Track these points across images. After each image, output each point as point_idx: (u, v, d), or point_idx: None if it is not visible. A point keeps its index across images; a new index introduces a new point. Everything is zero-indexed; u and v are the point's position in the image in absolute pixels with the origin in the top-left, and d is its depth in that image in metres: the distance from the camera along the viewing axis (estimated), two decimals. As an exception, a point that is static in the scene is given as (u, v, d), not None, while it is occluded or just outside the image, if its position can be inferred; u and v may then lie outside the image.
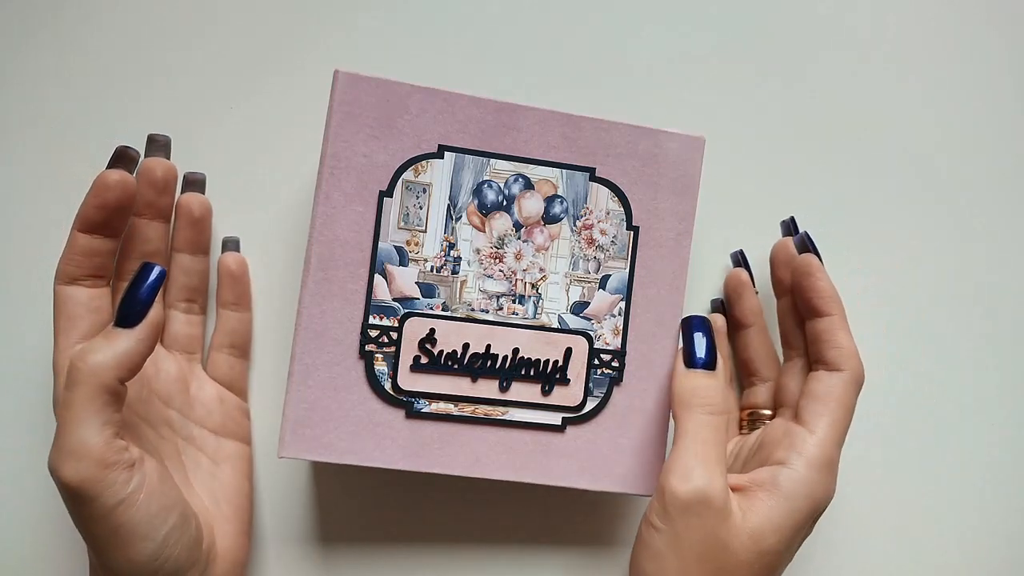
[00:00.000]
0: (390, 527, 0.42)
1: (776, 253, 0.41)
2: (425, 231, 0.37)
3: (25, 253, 0.41)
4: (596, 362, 0.38)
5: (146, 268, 0.34)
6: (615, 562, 0.44)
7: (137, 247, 0.37)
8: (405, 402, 0.36)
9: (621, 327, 0.38)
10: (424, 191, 0.37)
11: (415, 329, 0.36)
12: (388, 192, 0.36)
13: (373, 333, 0.36)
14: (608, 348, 0.38)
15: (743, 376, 0.43)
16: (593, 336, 0.38)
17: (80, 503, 0.32)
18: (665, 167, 0.38)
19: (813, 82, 0.46)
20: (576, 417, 0.38)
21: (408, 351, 0.36)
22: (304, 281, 0.36)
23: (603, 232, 0.38)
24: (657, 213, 0.38)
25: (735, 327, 0.43)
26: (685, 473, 0.34)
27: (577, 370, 0.38)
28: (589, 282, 0.38)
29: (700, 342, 0.37)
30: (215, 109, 0.42)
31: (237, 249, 0.41)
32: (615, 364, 0.38)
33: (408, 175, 0.36)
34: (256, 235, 0.42)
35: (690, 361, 0.37)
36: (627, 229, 0.38)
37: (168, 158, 0.39)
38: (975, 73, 0.48)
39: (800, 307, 0.39)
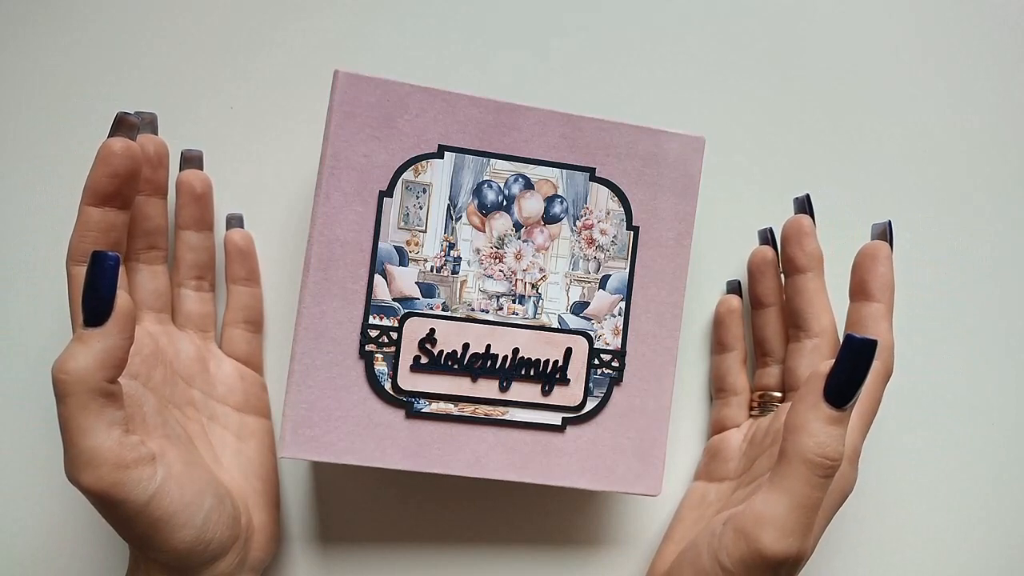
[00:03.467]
0: (390, 527, 0.42)
1: (788, 230, 0.41)
2: (425, 231, 0.37)
3: (29, 245, 0.41)
4: (596, 362, 0.38)
5: (98, 259, 0.31)
6: (615, 562, 0.44)
7: (139, 224, 0.37)
8: (405, 402, 0.36)
9: (621, 327, 0.38)
10: (424, 191, 0.37)
11: (415, 329, 0.36)
12: (388, 192, 0.36)
13: (373, 333, 0.36)
14: (608, 348, 0.38)
15: (758, 356, 0.43)
16: (593, 336, 0.38)
17: (110, 507, 0.31)
18: (665, 167, 0.38)
19: (813, 82, 0.46)
20: (576, 417, 0.38)
21: (408, 351, 0.36)
22: (304, 281, 0.36)
23: (603, 232, 0.38)
24: (657, 213, 0.38)
25: (755, 305, 0.43)
26: (783, 533, 0.32)
27: (577, 370, 0.38)
28: (589, 282, 0.38)
29: (860, 379, 0.32)
30: (215, 109, 0.42)
31: (241, 225, 0.41)
32: (615, 364, 0.38)
33: (408, 175, 0.36)
34: (256, 235, 0.42)
35: (839, 397, 0.32)
36: (627, 229, 0.38)
37: (156, 134, 0.38)
38: (977, 72, 0.48)
39: (852, 288, 0.39)
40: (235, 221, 0.41)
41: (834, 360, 0.32)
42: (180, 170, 0.39)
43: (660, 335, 0.39)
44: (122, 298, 0.31)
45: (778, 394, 0.42)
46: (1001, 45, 0.48)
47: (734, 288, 0.44)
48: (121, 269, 0.33)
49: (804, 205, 0.41)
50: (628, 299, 0.38)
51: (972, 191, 0.47)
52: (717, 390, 0.44)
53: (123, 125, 0.34)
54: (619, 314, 0.38)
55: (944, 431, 0.46)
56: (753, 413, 0.42)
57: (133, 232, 0.37)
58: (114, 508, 0.31)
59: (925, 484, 0.46)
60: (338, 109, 0.36)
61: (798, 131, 0.46)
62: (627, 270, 0.38)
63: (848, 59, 0.47)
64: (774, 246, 0.42)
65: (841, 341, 0.35)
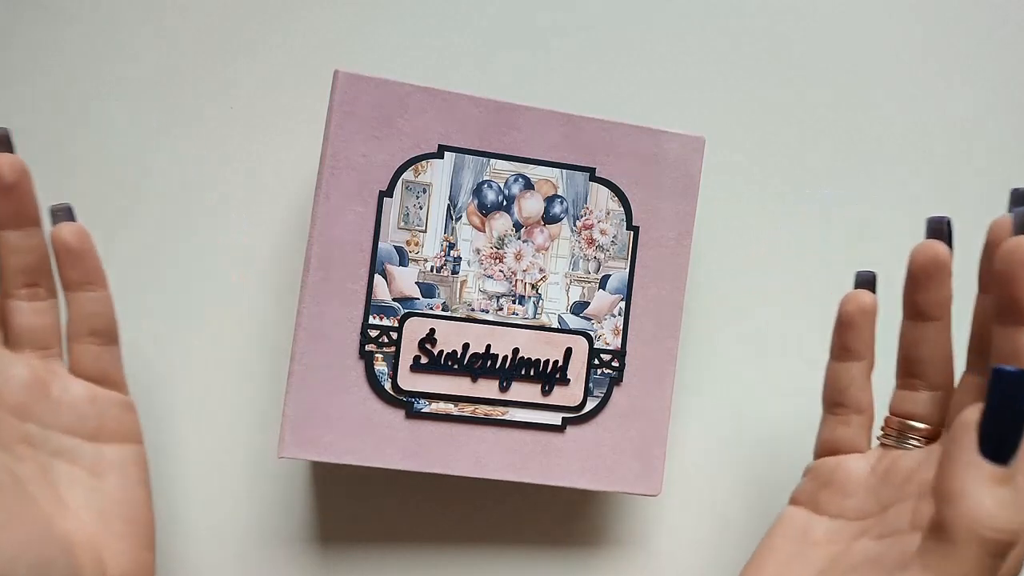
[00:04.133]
0: (390, 527, 0.42)
1: (998, 233, 0.31)
2: (425, 231, 0.37)
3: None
4: (596, 362, 0.38)
5: None
6: (615, 562, 0.44)
7: None
8: (405, 402, 0.36)
9: (621, 327, 0.38)
10: (424, 191, 0.37)
11: (415, 329, 0.36)
12: (388, 192, 0.36)
13: (373, 333, 0.36)
14: (608, 348, 0.38)
15: (902, 375, 0.35)
16: (593, 336, 0.38)
17: None
18: (665, 167, 0.38)
19: (814, 82, 0.46)
20: (576, 417, 0.38)
21: (408, 351, 0.36)
22: (304, 281, 0.36)
23: (603, 232, 0.38)
24: (657, 213, 0.38)
25: (912, 315, 0.34)
26: None
27: (577, 370, 0.38)
28: (589, 282, 0.38)
29: (1020, 421, 0.26)
30: (215, 109, 0.42)
31: (72, 218, 0.34)
32: (615, 364, 0.38)
33: (408, 175, 0.36)
34: (256, 235, 0.42)
35: (999, 448, 0.26)
36: (627, 229, 0.38)
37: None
38: (978, 72, 0.48)
39: (1000, 307, 0.29)
40: (62, 214, 0.34)
41: (984, 403, 0.26)
42: None
43: (660, 335, 0.39)
44: None
45: (923, 426, 0.34)
46: (1003, 44, 0.48)
47: (866, 281, 0.35)
48: None
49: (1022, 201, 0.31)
50: (628, 299, 0.38)
51: (973, 191, 0.47)
52: (833, 404, 0.36)
53: None
54: (619, 314, 0.38)
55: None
56: (885, 441, 0.35)
57: None
58: None
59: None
60: (338, 109, 0.36)
61: (798, 131, 0.46)
62: (627, 270, 0.38)
63: (848, 59, 0.47)
64: (949, 243, 0.33)
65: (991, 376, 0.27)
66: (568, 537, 0.43)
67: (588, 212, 0.38)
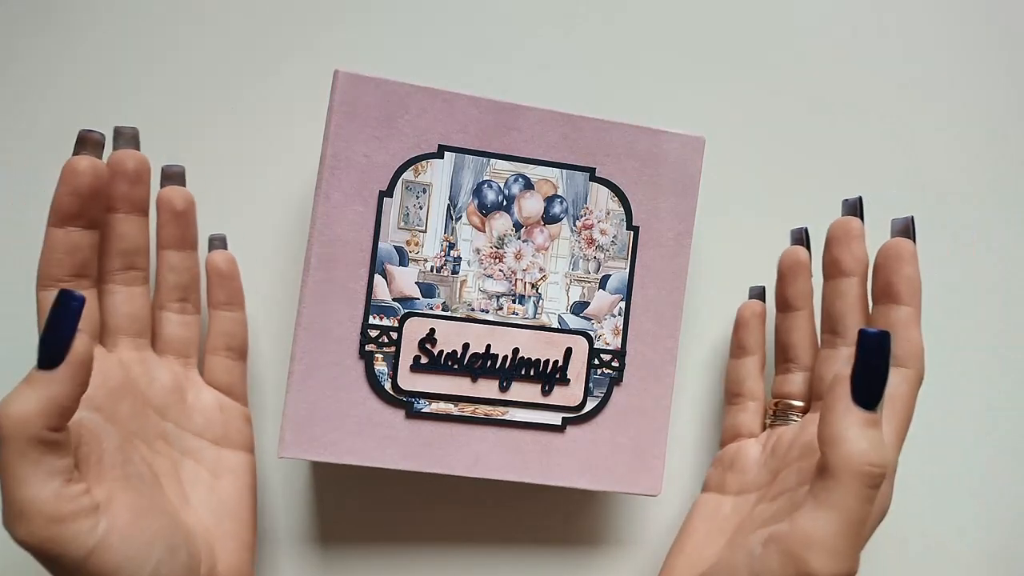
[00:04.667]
0: (390, 527, 0.42)
1: (836, 231, 0.38)
2: (425, 231, 0.37)
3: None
4: (596, 362, 0.38)
5: (63, 297, 0.29)
6: (615, 562, 0.44)
7: (115, 244, 0.35)
8: (405, 402, 0.36)
9: (621, 327, 0.38)
10: (424, 191, 0.37)
11: (415, 329, 0.36)
12: (388, 192, 0.36)
13: (373, 333, 0.36)
14: (608, 348, 0.38)
15: (778, 362, 0.41)
16: (593, 336, 0.38)
17: (46, 562, 0.30)
18: (665, 167, 0.38)
19: (814, 82, 0.46)
20: (576, 417, 0.38)
21: (408, 351, 0.36)
22: (304, 281, 0.36)
23: (603, 232, 0.38)
24: (657, 213, 0.39)
25: (781, 308, 0.41)
26: (834, 554, 0.30)
27: (577, 370, 0.38)
28: (589, 282, 0.38)
29: (883, 373, 0.31)
30: (215, 109, 0.42)
31: (224, 246, 0.39)
32: (615, 364, 0.38)
33: (408, 175, 0.36)
34: (256, 235, 0.42)
35: (867, 396, 0.31)
36: (627, 229, 0.38)
37: (138, 150, 0.36)
38: (978, 73, 0.48)
39: (876, 291, 0.37)
40: (218, 242, 0.39)
41: (854, 361, 0.31)
42: (161, 187, 0.37)
43: (660, 335, 0.39)
44: (80, 344, 0.29)
45: (799, 403, 0.40)
46: (1001, 46, 0.48)
47: (758, 294, 0.42)
48: (88, 308, 0.32)
49: (855, 208, 0.38)
50: (628, 299, 0.38)
51: (974, 192, 0.47)
52: (732, 395, 0.42)
53: (87, 143, 0.33)
54: (619, 314, 0.38)
55: (976, 437, 0.46)
56: (770, 421, 0.40)
57: (108, 252, 0.35)
58: (50, 563, 0.30)
59: (955, 495, 0.46)
60: (338, 109, 0.36)
61: (798, 131, 0.46)
62: (627, 270, 0.38)
63: (848, 59, 0.47)
64: (807, 247, 0.40)
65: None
66: (568, 537, 0.43)
67: (588, 212, 0.38)
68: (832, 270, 0.39)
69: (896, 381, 0.35)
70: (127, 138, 0.36)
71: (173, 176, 0.38)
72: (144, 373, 0.36)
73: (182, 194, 0.37)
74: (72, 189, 0.33)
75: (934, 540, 0.46)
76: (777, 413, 0.40)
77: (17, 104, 0.41)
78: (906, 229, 0.37)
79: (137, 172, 0.35)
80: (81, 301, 0.30)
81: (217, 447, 0.37)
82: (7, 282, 0.41)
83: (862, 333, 0.31)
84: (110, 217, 0.35)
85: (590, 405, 0.38)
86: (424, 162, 0.37)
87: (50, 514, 0.29)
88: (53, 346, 0.29)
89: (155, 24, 0.42)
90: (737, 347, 0.42)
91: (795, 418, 0.40)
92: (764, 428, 0.41)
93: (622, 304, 0.38)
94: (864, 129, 0.47)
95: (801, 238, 0.41)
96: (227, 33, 0.42)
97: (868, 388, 0.31)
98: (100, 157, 0.34)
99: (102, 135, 0.34)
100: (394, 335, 0.36)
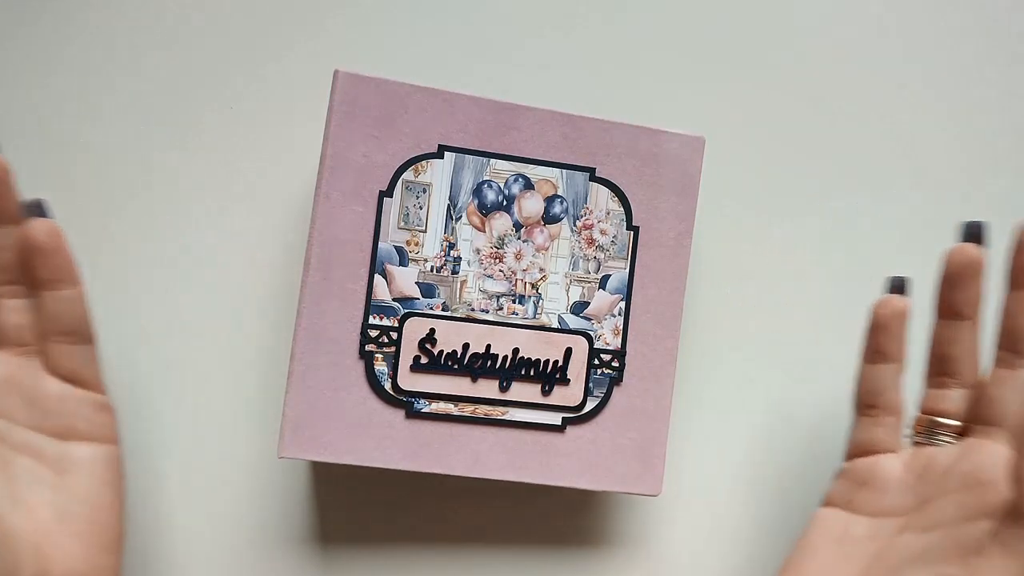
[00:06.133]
0: (390, 527, 0.42)
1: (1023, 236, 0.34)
2: (425, 231, 0.37)
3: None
4: (596, 362, 0.38)
5: None
6: (615, 562, 0.44)
7: None
8: (405, 402, 0.36)
9: (621, 327, 0.38)
10: (424, 191, 0.37)
11: (415, 329, 0.36)
12: (388, 192, 0.36)
13: (373, 333, 0.36)
14: (608, 348, 0.38)
15: (933, 375, 0.36)
16: (593, 336, 0.38)
17: None
18: (665, 167, 0.38)
19: (814, 82, 0.46)
20: (576, 417, 0.38)
21: (408, 351, 0.36)
22: (304, 281, 0.36)
23: (603, 232, 0.38)
24: (657, 213, 0.38)
25: (945, 315, 0.36)
26: None
27: (577, 370, 0.38)
28: (589, 282, 0.38)
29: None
30: (215, 109, 0.42)
31: (44, 214, 0.33)
32: (615, 364, 0.38)
33: (408, 175, 0.36)
34: (256, 235, 0.42)
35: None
36: (627, 229, 0.38)
37: None
38: (978, 72, 0.48)
39: None
40: (35, 209, 0.33)
41: None
42: None
43: (660, 335, 0.39)
44: None
45: (954, 423, 0.35)
46: (1000, 47, 0.48)
47: (899, 286, 0.37)
48: None
49: None
50: (628, 299, 0.38)
51: (973, 192, 0.47)
52: (866, 406, 0.37)
53: None
54: (619, 314, 0.38)
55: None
56: (915, 439, 0.36)
57: None
58: None
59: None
60: (338, 109, 0.36)
61: (798, 131, 0.46)
62: (627, 270, 0.38)
63: (848, 59, 0.47)
64: (983, 247, 0.35)
65: None
66: (568, 537, 0.43)
67: (588, 212, 0.38)
68: (1020, 279, 0.34)
69: None
70: None
71: None
72: None
73: None
74: None
75: None
76: (923, 430, 0.36)
77: (15, 102, 0.41)
78: None
79: None
80: None
81: (61, 441, 0.33)
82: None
83: None
84: None
85: (590, 405, 0.38)
86: (424, 162, 0.37)
87: None
88: None
89: (154, 23, 0.42)
90: (874, 352, 0.37)
91: (945, 438, 0.35)
92: (900, 445, 0.37)
93: (622, 304, 0.38)
94: (864, 129, 0.47)
95: (975, 233, 0.35)
96: (227, 33, 0.42)
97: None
98: None
99: None
100: (394, 335, 0.36)
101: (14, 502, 0.32)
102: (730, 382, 0.45)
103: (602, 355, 0.38)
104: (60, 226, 0.33)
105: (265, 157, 0.42)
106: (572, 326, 0.38)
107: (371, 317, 0.36)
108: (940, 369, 0.36)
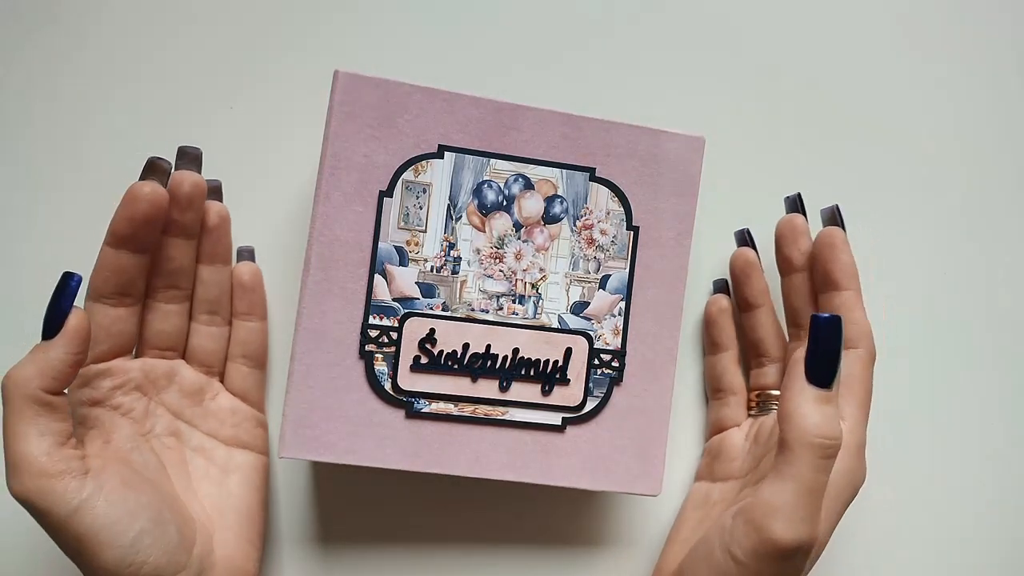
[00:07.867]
0: (390, 527, 0.42)
1: (782, 230, 0.41)
2: (425, 231, 0.37)
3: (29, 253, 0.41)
4: (596, 362, 0.38)
5: (64, 279, 0.33)
6: (615, 562, 0.44)
7: (162, 264, 0.37)
8: (405, 402, 0.36)
9: (621, 327, 0.38)
10: (424, 191, 0.37)
11: (415, 329, 0.36)
12: (388, 192, 0.36)
13: (373, 333, 0.36)
14: (608, 348, 0.38)
15: (751, 357, 0.43)
16: (593, 336, 0.38)
17: (36, 516, 0.32)
18: (665, 167, 0.38)
19: (813, 81, 0.46)
20: (576, 417, 0.38)
21: (408, 351, 0.36)
22: (304, 281, 0.36)
23: (603, 232, 0.38)
24: (657, 213, 0.38)
25: (743, 308, 0.43)
26: (792, 520, 0.32)
27: (577, 370, 0.38)
28: (589, 282, 0.38)
29: (834, 355, 0.33)
30: (215, 109, 0.42)
31: (252, 259, 0.41)
32: (615, 364, 0.38)
33: (408, 175, 0.36)
34: (256, 235, 0.42)
35: (820, 376, 0.33)
36: (627, 229, 0.38)
37: (199, 171, 0.37)
38: (978, 71, 0.48)
39: (817, 280, 0.39)
40: (245, 254, 0.41)
41: (807, 343, 0.33)
42: (175, 168, 0.37)
43: (660, 335, 0.39)
44: (75, 316, 0.32)
45: (776, 392, 0.42)
46: (998, 48, 0.48)
47: (722, 287, 0.44)
48: (127, 323, 0.36)
49: (796, 204, 0.41)
50: (628, 299, 0.38)
51: (971, 192, 0.47)
52: (714, 390, 0.44)
53: (155, 170, 0.35)
54: (619, 314, 0.38)
55: (948, 421, 0.46)
56: (752, 412, 0.43)
57: (156, 271, 0.37)
58: (39, 517, 0.32)
59: (931, 476, 0.46)
60: (338, 109, 0.36)
61: (797, 131, 0.46)
62: (627, 270, 0.38)
63: (847, 60, 0.47)
64: (753, 247, 0.43)
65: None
66: (568, 537, 0.43)
67: (588, 212, 0.38)
68: (785, 267, 0.41)
69: (849, 361, 0.37)
70: (189, 159, 0.37)
71: (210, 191, 0.39)
72: (166, 378, 0.38)
73: (216, 210, 0.38)
74: (129, 214, 0.34)
75: (945, 534, 0.46)
76: (758, 404, 0.42)
77: (19, 103, 0.41)
78: (833, 217, 0.39)
79: (190, 198, 0.36)
80: (78, 280, 0.33)
81: (227, 447, 0.39)
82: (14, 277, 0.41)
83: (814, 318, 0.33)
84: (162, 237, 0.37)
85: (590, 405, 0.38)
86: (424, 162, 0.37)
87: (40, 469, 0.31)
88: (52, 319, 0.32)
89: (155, 24, 0.42)
90: (711, 344, 0.44)
91: (774, 407, 0.42)
92: (744, 419, 0.43)
93: (622, 304, 0.38)
94: (864, 129, 0.47)
95: (745, 239, 0.43)
96: (227, 33, 0.42)
97: (820, 367, 0.33)
98: (165, 183, 0.35)
99: (169, 164, 0.36)
100: (394, 335, 0.36)
101: (190, 493, 0.37)
102: (730, 382, 0.45)
103: (602, 355, 0.38)
104: (260, 270, 0.40)
105: (265, 157, 0.42)
106: (572, 326, 0.38)
107: (371, 317, 0.36)
108: (755, 352, 0.43)
